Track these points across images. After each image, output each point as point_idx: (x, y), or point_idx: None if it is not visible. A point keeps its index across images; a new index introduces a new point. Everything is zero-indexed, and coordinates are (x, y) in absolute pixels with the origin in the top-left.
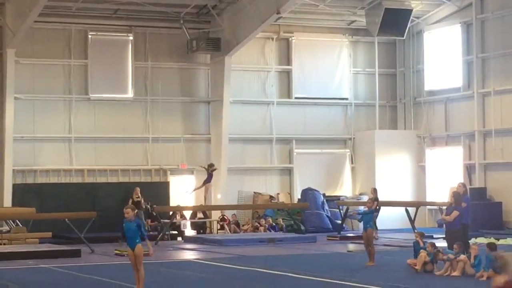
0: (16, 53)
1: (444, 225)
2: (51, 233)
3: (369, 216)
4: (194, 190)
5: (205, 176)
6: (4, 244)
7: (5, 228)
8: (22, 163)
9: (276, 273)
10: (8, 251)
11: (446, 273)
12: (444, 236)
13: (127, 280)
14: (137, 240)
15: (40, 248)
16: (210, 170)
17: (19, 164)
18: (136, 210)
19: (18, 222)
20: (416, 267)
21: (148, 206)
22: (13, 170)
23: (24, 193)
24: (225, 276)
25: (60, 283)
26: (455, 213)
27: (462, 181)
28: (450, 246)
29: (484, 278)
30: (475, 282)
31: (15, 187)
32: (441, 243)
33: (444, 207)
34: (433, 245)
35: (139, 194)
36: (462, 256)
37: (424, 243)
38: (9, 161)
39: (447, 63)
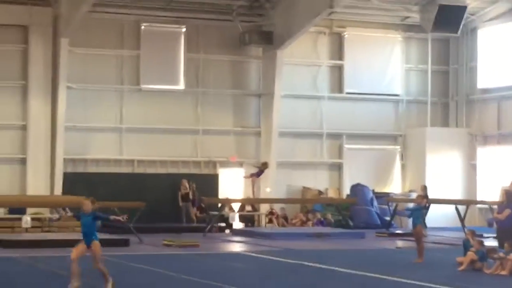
0: (69, 42)
1: (495, 224)
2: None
3: (418, 213)
4: (253, 192)
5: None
6: (54, 232)
7: (56, 216)
8: (73, 152)
9: (324, 267)
10: (58, 238)
11: (496, 272)
12: (495, 235)
13: (176, 270)
14: (93, 237)
15: None
16: (263, 167)
17: (70, 153)
18: (95, 203)
19: (68, 210)
20: (461, 267)
21: (196, 196)
22: (64, 158)
23: (74, 182)
24: (273, 269)
25: (109, 272)
26: (507, 211)
27: None
28: (501, 245)
29: None
30: None
31: (66, 175)
32: (491, 242)
33: (495, 206)
34: (480, 242)
35: (187, 186)
36: None
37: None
38: (60, 150)
39: (501, 60)
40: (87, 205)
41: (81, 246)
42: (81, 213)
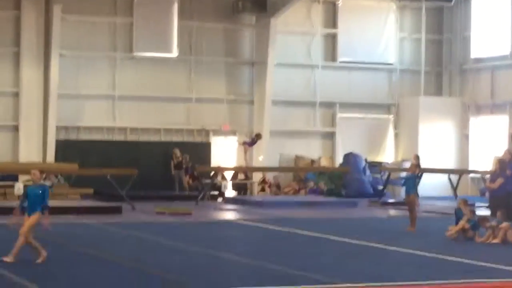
0: (62, 9)
1: (486, 193)
2: (92, 189)
3: (412, 182)
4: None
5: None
6: None
7: (49, 183)
8: (65, 120)
9: (316, 235)
10: (50, 205)
11: (488, 241)
12: (487, 204)
13: (167, 237)
14: (38, 209)
15: (82, 203)
16: (256, 138)
17: (63, 120)
18: (44, 174)
19: (60, 177)
20: (452, 234)
21: (190, 164)
22: (57, 126)
23: (66, 149)
24: (265, 236)
25: (102, 239)
26: (500, 180)
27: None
28: (493, 214)
29: None
30: None
31: (58, 143)
32: (483, 212)
33: (488, 176)
34: (472, 211)
35: (179, 155)
36: (504, 224)
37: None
38: (52, 117)
39: (495, 30)
40: (35, 175)
41: (25, 219)
42: (29, 185)
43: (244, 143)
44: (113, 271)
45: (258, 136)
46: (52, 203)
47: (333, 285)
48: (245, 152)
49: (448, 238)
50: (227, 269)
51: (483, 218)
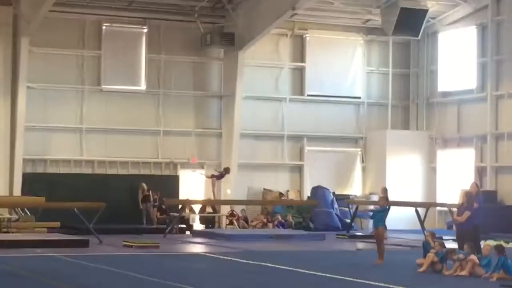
0: (30, 42)
1: (454, 227)
2: (59, 223)
3: (381, 215)
4: (214, 193)
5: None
6: (13, 232)
7: (14, 216)
8: (32, 152)
9: (285, 268)
10: (16, 239)
11: (456, 273)
12: (454, 237)
13: (135, 270)
14: None
15: (48, 237)
16: (224, 172)
17: (30, 153)
18: None
19: (27, 211)
20: (422, 268)
21: (157, 197)
22: (24, 159)
23: (34, 182)
24: (233, 270)
25: (68, 272)
26: (467, 214)
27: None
28: (461, 247)
29: (494, 279)
30: (482, 283)
31: (25, 176)
32: (451, 245)
33: (455, 209)
34: (441, 244)
35: (145, 189)
36: (472, 256)
37: (434, 242)
38: (19, 150)
39: (461, 64)
40: None
41: None
42: None
43: (212, 176)
44: None
45: (227, 170)
46: (17, 236)
47: None
48: (213, 185)
49: (416, 271)
50: None
51: (451, 250)
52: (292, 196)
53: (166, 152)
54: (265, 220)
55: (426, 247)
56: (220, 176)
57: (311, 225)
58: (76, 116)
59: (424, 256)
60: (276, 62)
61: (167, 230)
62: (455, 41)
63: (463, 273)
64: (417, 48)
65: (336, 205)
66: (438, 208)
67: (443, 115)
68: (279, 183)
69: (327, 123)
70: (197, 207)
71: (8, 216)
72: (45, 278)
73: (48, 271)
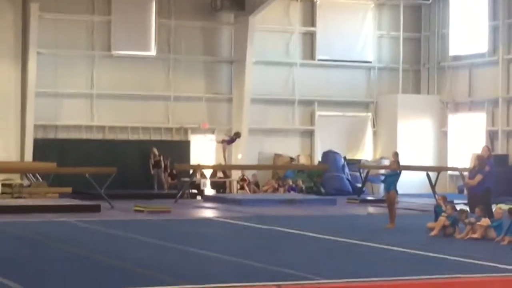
0: (39, 8)
1: (465, 191)
2: (71, 188)
3: (393, 178)
4: (225, 158)
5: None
6: (25, 197)
7: (26, 182)
8: (43, 118)
9: (295, 232)
10: (28, 204)
11: (467, 236)
12: (465, 201)
13: (146, 235)
14: None
15: (60, 202)
16: (234, 136)
17: (41, 119)
18: None
19: (39, 176)
20: (433, 232)
21: (168, 162)
22: (35, 125)
23: (45, 148)
24: (245, 234)
25: (80, 236)
26: (479, 177)
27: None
28: (472, 210)
29: (505, 242)
30: (494, 246)
31: (36, 142)
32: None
33: (466, 173)
34: (453, 207)
35: (156, 154)
36: (484, 219)
37: (445, 206)
38: (30, 116)
39: (473, 28)
40: None
41: None
42: None
43: (223, 141)
44: (92, 268)
45: (237, 135)
46: (30, 202)
47: (313, 282)
48: (224, 150)
49: (428, 234)
50: (206, 266)
51: (463, 211)
52: (303, 161)
53: (177, 117)
54: (276, 185)
55: (437, 211)
56: (231, 140)
57: (322, 190)
58: (86, 82)
59: (436, 220)
60: (287, 27)
61: (178, 195)
62: (467, 4)
63: (475, 236)
64: (428, 11)
65: (347, 170)
66: (449, 172)
67: (454, 79)
68: (290, 148)
69: (338, 88)
70: (208, 172)
71: (19, 181)
72: (57, 242)
73: (60, 236)
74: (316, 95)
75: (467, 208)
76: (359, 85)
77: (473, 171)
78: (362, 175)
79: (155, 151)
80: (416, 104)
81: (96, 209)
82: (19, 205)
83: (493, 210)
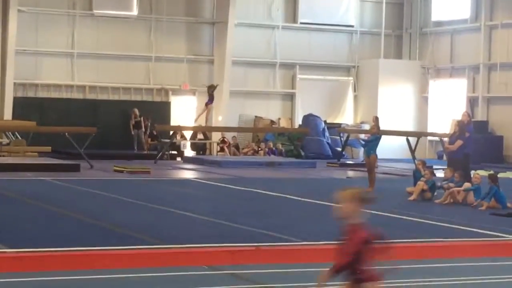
0: None
1: (444, 156)
2: (50, 147)
3: (374, 143)
4: (197, 118)
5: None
6: (4, 156)
7: (5, 140)
8: (23, 77)
9: (275, 194)
10: (7, 163)
11: (445, 202)
12: (444, 167)
13: (126, 195)
14: None
15: (39, 161)
16: (210, 91)
17: (21, 77)
18: None
19: (18, 135)
20: (412, 197)
21: (148, 123)
22: (14, 83)
23: (24, 106)
24: (224, 195)
25: (59, 195)
26: (459, 142)
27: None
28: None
29: (484, 208)
30: (472, 211)
31: (16, 100)
32: (441, 174)
33: (446, 139)
34: (432, 172)
35: (137, 115)
36: (466, 184)
37: (424, 171)
38: (10, 74)
39: None
40: None
41: None
42: None
43: (206, 105)
44: (70, 226)
45: (211, 87)
46: (9, 160)
47: (292, 244)
48: (208, 112)
49: (407, 199)
50: (185, 226)
51: (449, 170)
52: (284, 124)
53: (158, 78)
54: (256, 148)
55: (416, 176)
56: (211, 98)
57: (302, 153)
58: (67, 41)
59: (415, 185)
60: None
61: (158, 156)
62: None
63: (459, 197)
64: None
65: (327, 134)
66: (429, 137)
67: (436, 45)
68: (270, 111)
69: (319, 51)
70: (188, 134)
71: None
72: (36, 201)
73: (39, 194)
74: (298, 58)
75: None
76: (341, 49)
77: (453, 137)
78: (342, 139)
79: (136, 111)
80: (397, 69)
81: (76, 168)
82: None
83: (472, 175)
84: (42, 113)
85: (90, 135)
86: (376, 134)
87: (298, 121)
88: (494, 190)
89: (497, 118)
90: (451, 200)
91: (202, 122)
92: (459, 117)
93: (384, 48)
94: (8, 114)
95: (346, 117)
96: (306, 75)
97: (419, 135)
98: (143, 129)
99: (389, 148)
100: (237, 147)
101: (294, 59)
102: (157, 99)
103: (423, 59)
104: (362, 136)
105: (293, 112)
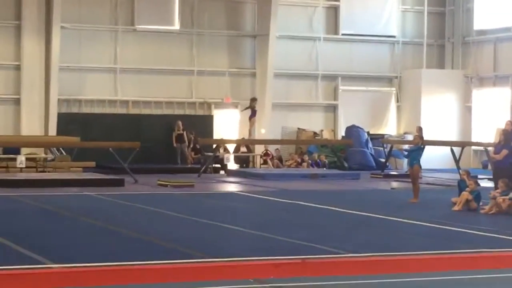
0: None
1: (489, 166)
2: (94, 162)
3: (416, 153)
4: (244, 110)
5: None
6: (49, 171)
7: (50, 156)
8: (67, 93)
9: (319, 206)
10: (52, 178)
11: (491, 212)
12: (490, 176)
13: (170, 209)
14: None
15: (84, 176)
16: (252, 105)
17: (64, 93)
18: None
19: (62, 150)
20: (456, 207)
21: (192, 137)
22: (59, 99)
23: (68, 122)
24: (268, 208)
25: (104, 210)
26: (505, 152)
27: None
28: (497, 186)
29: None
30: None
31: (60, 116)
32: (486, 184)
33: (490, 148)
34: (476, 182)
35: (180, 127)
36: (510, 195)
37: (469, 181)
38: (54, 90)
39: (498, 2)
40: None
41: None
42: None
43: (250, 118)
44: (115, 241)
45: (253, 101)
46: (54, 175)
47: (338, 256)
48: (251, 124)
49: (451, 209)
50: (232, 239)
51: (504, 181)
52: (326, 135)
53: (200, 92)
54: (299, 160)
55: (461, 186)
56: (253, 112)
57: (345, 165)
58: (110, 56)
59: (459, 195)
60: (310, 1)
61: (201, 170)
62: None
63: (504, 206)
64: None
65: (370, 145)
66: (473, 147)
67: (479, 54)
68: (313, 122)
69: (361, 62)
70: (231, 147)
71: (44, 155)
72: (81, 216)
73: (84, 209)
74: (340, 69)
75: (491, 184)
76: (383, 59)
77: (498, 146)
78: (385, 150)
79: (180, 124)
80: (440, 79)
81: (120, 183)
82: (43, 179)
83: None
84: (86, 128)
85: (133, 150)
86: (418, 144)
87: (341, 132)
88: None
89: None
90: (497, 209)
91: (245, 135)
92: (505, 124)
93: (427, 58)
94: (52, 130)
95: (389, 127)
96: (348, 86)
97: (463, 144)
98: (186, 143)
99: (434, 158)
100: (280, 159)
101: (336, 71)
102: (200, 112)
103: (465, 69)
104: (406, 146)
105: (335, 124)
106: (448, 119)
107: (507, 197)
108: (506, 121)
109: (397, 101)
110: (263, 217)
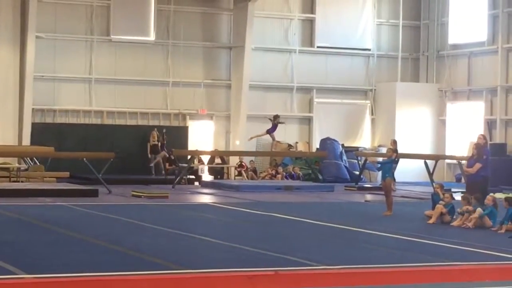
0: None
1: (462, 179)
2: (68, 173)
3: (388, 166)
4: (252, 138)
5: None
6: (22, 181)
7: (23, 166)
8: (41, 102)
9: (293, 218)
10: (26, 188)
11: (463, 225)
12: (463, 190)
13: (144, 220)
14: None
15: (57, 186)
16: (275, 121)
17: (39, 103)
18: None
19: (36, 160)
20: (430, 220)
21: (165, 142)
22: (33, 109)
23: (42, 132)
24: (242, 219)
25: (78, 220)
26: (478, 165)
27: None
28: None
29: (503, 231)
30: (491, 234)
31: (34, 126)
32: (460, 197)
33: (464, 162)
34: (450, 196)
35: (156, 137)
36: (478, 210)
37: (443, 194)
38: (28, 100)
39: (472, 16)
40: None
41: None
42: None
43: (267, 132)
44: (89, 251)
45: (276, 118)
46: (27, 185)
47: (311, 268)
48: (274, 139)
49: (425, 222)
50: (205, 251)
51: (464, 197)
52: (301, 148)
53: (175, 103)
54: (273, 172)
55: (435, 199)
56: (274, 127)
57: (320, 177)
58: (85, 66)
59: (433, 208)
60: (286, 14)
61: (176, 181)
62: None
63: (470, 224)
64: None
65: (344, 157)
66: (447, 160)
67: (453, 68)
68: (288, 135)
69: (336, 75)
70: (206, 158)
71: (17, 165)
72: (55, 226)
73: (57, 220)
74: (315, 82)
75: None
76: (358, 72)
77: (471, 160)
78: (360, 162)
79: (155, 134)
80: (414, 92)
81: (94, 193)
82: (17, 189)
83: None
84: (60, 138)
85: (108, 161)
86: (390, 157)
87: (316, 144)
88: (510, 212)
89: None
90: (468, 224)
91: (220, 146)
92: (477, 138)
93: (401, 71)
94: (26, 139)
95: (364, 140)
96: (323, 98)
97: (437, 158)
98: (161, 153)
99: (407, 171)
100: (254, 171)
101: (311, 83)
102: (175, 123)
103: (440, 82)
104: (380, 159)
105: (310, 136)
106: (422, 132)
107: (475, 214)
108: (478, 134)
109: (372, 113)
110: (236, 228)
